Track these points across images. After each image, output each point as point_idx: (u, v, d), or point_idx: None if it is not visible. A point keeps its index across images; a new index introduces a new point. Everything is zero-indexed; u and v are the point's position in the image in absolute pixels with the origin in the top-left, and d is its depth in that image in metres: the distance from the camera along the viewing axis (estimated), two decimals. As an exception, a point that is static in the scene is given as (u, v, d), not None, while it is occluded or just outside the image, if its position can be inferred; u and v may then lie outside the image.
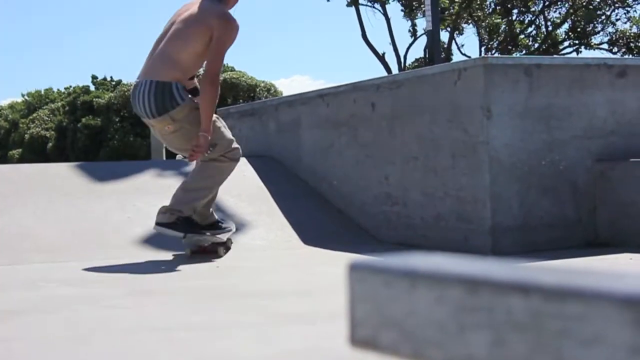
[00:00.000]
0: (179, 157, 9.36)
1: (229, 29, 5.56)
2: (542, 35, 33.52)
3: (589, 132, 5.75)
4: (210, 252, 5.76)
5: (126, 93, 50.76)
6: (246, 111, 8.92)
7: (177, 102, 5.54)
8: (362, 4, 32.61)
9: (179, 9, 5.93)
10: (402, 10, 33.71)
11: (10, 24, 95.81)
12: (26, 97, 65.36)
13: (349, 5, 32.69)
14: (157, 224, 5.59)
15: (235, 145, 5.82)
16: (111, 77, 58.81)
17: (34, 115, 58.69)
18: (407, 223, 6.22)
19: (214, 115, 5.69)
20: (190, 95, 5.69)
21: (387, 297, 0.92)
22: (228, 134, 5.83)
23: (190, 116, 5.57)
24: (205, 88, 5.50)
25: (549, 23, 33.42)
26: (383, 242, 6.34)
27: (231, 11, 5.81)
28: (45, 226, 6.15)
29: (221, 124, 5.81)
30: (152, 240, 6.04)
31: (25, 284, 4.57)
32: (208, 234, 5.73)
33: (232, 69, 54.29)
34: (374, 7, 32.90)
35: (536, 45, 33.29)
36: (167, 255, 5.79)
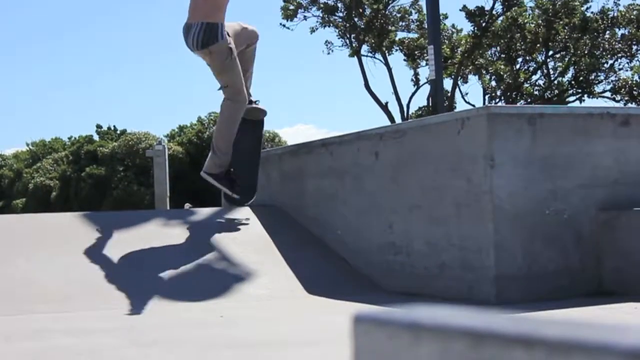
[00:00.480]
0: (187, 206, 9.53)
1: None
2: (545, 85, 33.65)
3: (592, 181, 5.76)
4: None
5: (130, 142, 50.90)
6: (250, 160, 8.92)
7: (217, 37, 7.07)
8: (364, 55, 32.78)
9: None
10: (404, 60, 33.89)
11: (14, 73, 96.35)
12: (30, 147, 65.53)
13: (351, 55, 32.85)
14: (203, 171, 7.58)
15: (240, 90, 7.35)
16: (115, 127, 58.94)
17: (38, 164, 58.80)
18: (411, 272, 6.21)
19: (233, 55, 7.20)
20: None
21: (391, 350, 0.92)
22: (239, 81, 7.33)
23: (222, 53, 7.13)
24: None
25: (552, 72, 33.56)
26: (387, 291, 6.32)
27: None
28: (49, 276, 6.14)
29: (238, 68, 7.27)
30: (157, 291, 6.03)
31: (29, 334, 4.56)
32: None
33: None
34: (374, 57, 33.06)
35: (540, 93, 33.41)
36: (171, 305, 5.78)
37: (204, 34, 7.07)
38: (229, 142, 7.42)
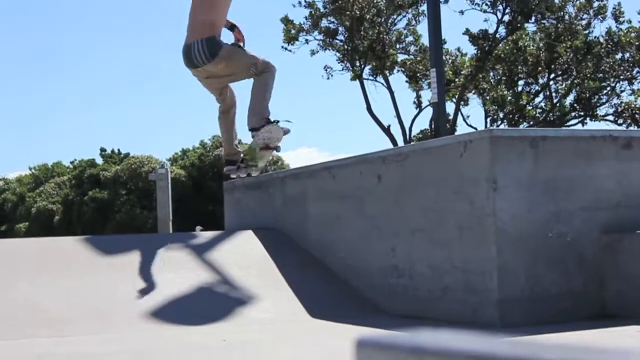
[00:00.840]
0: (198, 229, 9.68)
1: None
2: (547, 107, 33.71)
3: (595, 204, 5.75)
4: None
5: (133, 166, 50.96)
6: (253, 184, 8.94)
7: (221, 45, 7.82)
8: (366, 78, 32.84)
9: None
10: (406, 82, 33.95)
11: (18, 97, 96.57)
12: (33, 171, 65.61)
13: (352, 79, 32.91)
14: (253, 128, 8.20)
15: (267, 60, 8.14)
16: (119, 150, 59.03)
17: (41, 188, 58.85)
18: (414, 295, 6.20)
19: (238, 46, 8.23)
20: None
21: (394, 374, 0.92)
22: (256, 56, 8.11)
23: (231, 50, 7.95)
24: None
25: (554, 94, 33.61)
26: (390, 315, 6.31)
27: None
28: (51, 300, 6.14)
29: (247, 52, 8.14)
30: (159, 315, 6.02)
31: (31, 359, 4.55)
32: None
33: (240, 142, 54.37)
34: (376, 80, 33.12)
35: (542, 116, 33.44)
36: (173, 329, 5.77)
37: (208, 47, 7.77)
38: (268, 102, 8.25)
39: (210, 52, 7.76)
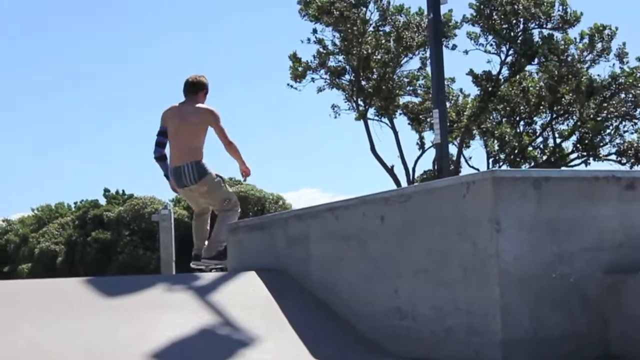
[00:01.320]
0: (191, 265, 10.30)
1: (216, 114, 8.92)
2: (550, 148, 33.76)
3: (598, 245, 5.74)
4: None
5: (136, 207, 51.00)
6: (255, 225, 8.94)
7: (207, 171, 8.99)
8: (370, 118, 32.94)
9: (168, 111, 9.18)
10: (409, 124, 34.04)
11: (21, 138, 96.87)
12: (36, 212, 65.66)
13: (357, 119, 33.02)
14: (204, 258, 9.38)
15: (236, 200, 9.53)
16: (123, 191, 59.12)
17: (44, 229, 58.85)
18: (417, 337, 6.17)
19: (223, 178, 9.23)
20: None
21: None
22: (232, 193, 9.47)
23: (213, 178, 9.03)
24: (232, 149, 9.16)
25: (556, 135, 33.68)
26: (394, 356, 6.28)
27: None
28: (53, 342, 6.12)
29: (227, 187, 9.44)
30: (161, 357, 6.00)
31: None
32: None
33: (240, 182, 54.56)
34: (381, 120, 33.23)
35: (545, 157, 33.48)
36: (176, 371, 5.75)
37: (197, 171, 9.03)
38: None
39: (199, 174, 9.05)
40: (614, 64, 31.38)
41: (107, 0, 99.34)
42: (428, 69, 32.44)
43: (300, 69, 32.76)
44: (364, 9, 31.23)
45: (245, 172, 9.34)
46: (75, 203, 61.89)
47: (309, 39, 32.16)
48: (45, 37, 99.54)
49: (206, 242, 9.44)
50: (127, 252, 49.03)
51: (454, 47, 31.08)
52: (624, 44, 31.25)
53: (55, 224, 57.74)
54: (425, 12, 30.95)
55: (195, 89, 9.19)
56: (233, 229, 9.30)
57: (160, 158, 9.30)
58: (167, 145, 9.26)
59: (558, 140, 33.53)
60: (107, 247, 51.06)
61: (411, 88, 33.30)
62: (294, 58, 32.88)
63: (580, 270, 5.67)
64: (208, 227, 9.57)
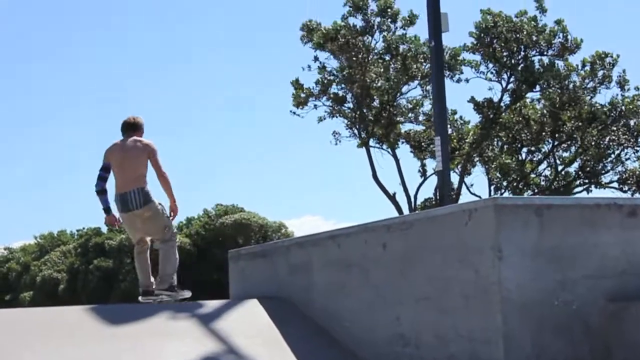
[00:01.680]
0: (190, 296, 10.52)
1: (155, 147, 9.63)
2: (552, 175, 33.77)
3: (600, 272, 5.74)
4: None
5: (138, 234, 50.81)
6: (257, 253, 8.95)
7: (151, 198, 9.48)
8: (372, 146, 32.97)
9: (111, 147, 9.81)
10: (410, 151, 34.06)
11: (23, 166, 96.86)
12: (38, 239, 65.61)
13: (359, 146, 33.05)
14: (160, 289, 9.54)
15: (175, 231, 10.00)
16: (124, 219, 58.86)
17: (46, 257, 58.80)
18: (420, 365, 6.16)
19: (164, 206, 9.65)
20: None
21: None
22: (171, 222, 9.80)
23: (156, 205, 9.53)
24: (163, 180, 9.57)
25: (558, 162, 33.69)
26: (396, 384, 6.27)
27: None
28: (55, 370, 6.11)
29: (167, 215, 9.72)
30: (163, 384, 5.99)
31: None
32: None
33: (242, 210, 54.58)
34: (382, 148, 33.26)
35: (546, 184, 33.47)
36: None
37: (142, 197, 9.47)
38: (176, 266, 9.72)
39: (144, 200, 9.50)
40: (617, 94, 31.44)
41: (109, 22, 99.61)
42: (429, 97, 32.59)
43: (302, 95, 32.81)
44: (370, 37, 31.35)
45: (174, 211, 9.75)
46: (78, 231, 61.87)
47: (309, 67, 32.23)
48: (45, 59, 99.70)
49: (152, 278, 9.81)
50: (129, 279, 48.95)
51: (459, 80, 31.19)
52: (624, 71, 31.33)
53: (57, 251, 57.69)
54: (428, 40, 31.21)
55: (134, 128, 9.93)
56: (235, 256, 9.31)
57: (101, 192, 9.84)
58: (109, 180, 9.87)
59: (560, 168, 33.54)
60: (109, 275, 51.00)
61: (412, 115, 33.34)
62: (296, 84, 32.94)
63: (583, 297, 5.67)
64: (149, 263, 10.00)
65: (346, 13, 31.56)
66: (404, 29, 31.76)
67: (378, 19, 31.49)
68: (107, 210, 9.87)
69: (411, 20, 31.52)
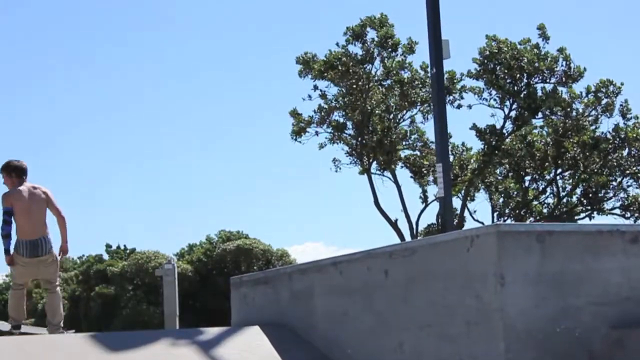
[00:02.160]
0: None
1: (51, 193, 10.76)
2: (554, 202, 33.79)
3: (603, 299, 5.73)
4: None
5: (139, 261, 50.97)
6: (259, 279, 8.93)
7: (51, 246, 10.76)
8: (374, 173, 33.02)
9: (15, 193, 10.63)
10: (411, 177, 34.10)
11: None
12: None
13: (361, 173, 33.10)
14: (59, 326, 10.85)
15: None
16: (125, 246, 59.08)
17: (48, 284, 58.62)
18: (422, 392, 6.13)
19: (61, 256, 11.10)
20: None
21: None
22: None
23: (55, 254, 10.85)
24: (62, 222, 10.85)
25: (561, 189, 33.72)
26: (398, 412, 6.24)
27: None
28: (56, 397, 6.08)
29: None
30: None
31: None
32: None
33: (247, 236, 54.58)
34: (383, 174, 33.30)
35: (549, 211, 33.49)
36: None
37: (48, 244, 10.67)
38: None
39: (49, 247, 10.73)
40: (618, 122, 31.49)
41: (105, 50, 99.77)
42: (430, 122, 32.66)
43: (302, 124, 32.88)
44: (370, 65, 31.43)
45: (65, 251, 11.00)
46: (80, 258, 61.84)
47: (310, 96, 32.31)
48: (31, 86, 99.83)
49: (50, 316, 10.95)
50: (130, 306, 48.91)
51: (459, 106, 31.24)
52: (626, 100, 31.43)
53: (60, 279, 57.70)
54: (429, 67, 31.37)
55: (26, 172, 10.81)
56: (237, 283, 9.29)
57: (8, 236, 10.69)
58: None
59: (562, 194, 33.56)
60: (111, 302, 50.93)
61: (409, 142, 33.41)
62: (295, 114, 33.01)
63: (586, 324, 5.65)
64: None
65: (345, 42, 31.65)
66: (404, 56, 31.87)
67: (377, 49, 31.58)
68: (7, 251, 10.77)
69: (411, 47, 31.61)
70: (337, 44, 31.31)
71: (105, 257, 58.19)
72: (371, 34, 31.37)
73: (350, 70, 30.98)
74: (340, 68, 30.93)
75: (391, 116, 32.44)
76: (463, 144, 34.22)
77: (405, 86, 31.35)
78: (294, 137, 33.02)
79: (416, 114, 32.66)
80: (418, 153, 33.65)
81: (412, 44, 31.21)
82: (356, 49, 31.52)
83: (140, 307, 48.55)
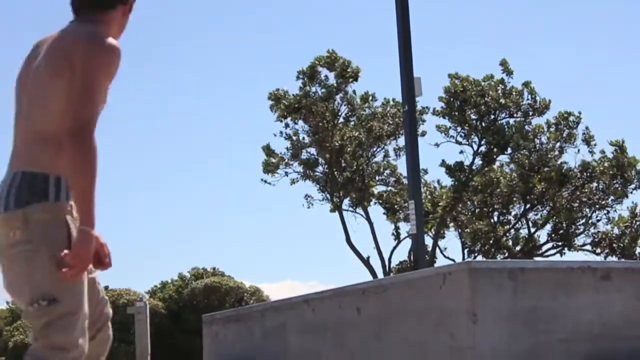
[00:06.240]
0: None
1: (100, 49, 3.64)
2: (524, 238, 33.91)
3: (575, 336, 5.74)
4: None
5: (111, 299, 50.53)
6: (231, 316, 8.90)
7: None
8: (345, 210, 33.00)
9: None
10: (384, 213, 34.11)
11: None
12: (10, 305, 64.93)
13: (332, 211, 33.07)
14: None
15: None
16: (96, 283, 58.58)
17: (18, 322, 58.17)
18: None
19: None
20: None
21: None
22: (84, 301, 3.65)
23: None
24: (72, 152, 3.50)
25: (530, 225, 33.83)
26: None
27: None
28: None
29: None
30: None
31: None
32: None
33: (222, 273, 54.35)
34: (355, 211, 33.28)
35: (519, 247, 33.59)
36: None
37: None
38: None
39: None
40: (579, 150, 31.70)
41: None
42: (398, 160, 32.78)
43: (273, 161, 32.83)
44: (333, 102, 31.45)
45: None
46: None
47: (281, 132, 32.31)
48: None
49: None
50: (101, 344, 48.48)
51: (423, 133, 31.28)
52: (587, 127, 31.65)
53: (29, 316, 57.16)
54: (391, 102, 31.47)
55: None
56: (209, 321, 9.25)
57: None
58: None
59: (532, 230, 33.65)
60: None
61: (382, 177, 33.43)
62: (267, 150, 32.98)
63: (558, 361, 5.66)
64: None
65: (301, 84, 31.70)
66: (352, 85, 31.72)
67: (337, 81, 31.49)
68: None
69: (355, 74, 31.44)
70: (295, 94, 31.30)
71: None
72: (325, 72, 31.33)
73: (313, 110, 30.99)
74: (302, 110, 30.96)
75: (362, 152, 32.48)
76: (438, 181, 34.30)
77: (367, 122, 31.44)
78: (266, 173, 32.96)
79: (383, 148, 32.72)
80: (392, 189, 33.67)
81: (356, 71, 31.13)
82: (315, 88, 31.51)
83: (111, 346, 48.14)
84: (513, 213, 33.95)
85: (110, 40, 3.66)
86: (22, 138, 3.74)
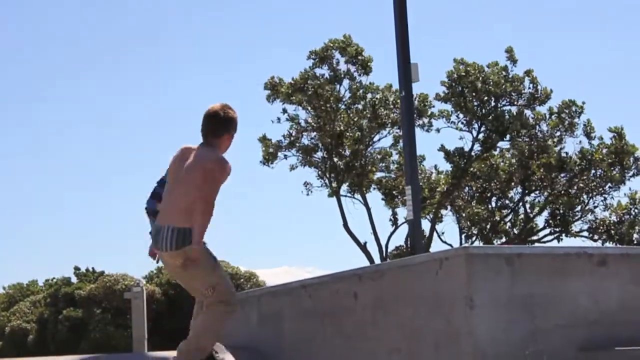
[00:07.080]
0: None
1: (222, 168, 6.39)
2: (521, 223, 33.88)
3: (572, 321, 5.73)
4: None
5: (107, 284, 50.67)
6: (229, 302, 8.87)
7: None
8: (343, 195, 32.95)
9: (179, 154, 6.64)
10: (382, 199, 34.06)
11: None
12: (7, 290, 65.02)
13: (330, 196, 33.02)
14: None
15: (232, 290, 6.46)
16: (93, 269, 58.73)
17: (15, 307, 58.34)
18: (392, 415, 6.11)
19: (213, 255, 6.53)
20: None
21: None
22: (227, 278, 6.59)
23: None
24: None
25: (529, 211, 33.82)
26: None
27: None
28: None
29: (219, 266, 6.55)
30: None
31: None
32: None
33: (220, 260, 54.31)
34: (354, 197, 33.24)
35: (516, 231, 33.57)
36: None
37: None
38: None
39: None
40: (580, 141, 31.66)
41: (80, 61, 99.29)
42: (400, 145, 32.66)
43: (271, 149, 32.75)
44: (338, 86, 31.39)
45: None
46: (47, 281, 61.33)
47: (279, 119, 32.20)
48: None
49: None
50: (98, 330, 48.46)
51: (429, 128, 31.27)
52: (588, 120, 31.60)
53: (27, 302, 57.15)
54: (395, 89, 31.35)
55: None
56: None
57: None
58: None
59: (530, 216, 33.62)
60: (79, 325, 50.46)
61: (384, 164, 33.37)
62: (264, 140, 32.90)
63: (554, 347, 5.65)
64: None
65: (310, 66, 31.60)
66: (367, 76, 31.76)
67: (345, 67, 31.44)
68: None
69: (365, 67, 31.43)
70: (305, 70, 31.25)
71: (74, 279, 57.72)
72: (337, 56, 31.30)
73: (318, 92, 30.90)
74: (307, 90, 30.86)
75: (363, 138, 32.41)
76: (436, 166, 34.24)
77: (376, 107, 31.35)
78: (265, 161, 32.89)
79: (385, 136, 32.66)
80: (393, 176, 33.62)
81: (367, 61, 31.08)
82: (323, 71, 31.45)
83: (108, 331, 48.10)
84: (510, 196, 33.92)
85: (228, 163, 6.56)
86: (170, 203, 6.63)
